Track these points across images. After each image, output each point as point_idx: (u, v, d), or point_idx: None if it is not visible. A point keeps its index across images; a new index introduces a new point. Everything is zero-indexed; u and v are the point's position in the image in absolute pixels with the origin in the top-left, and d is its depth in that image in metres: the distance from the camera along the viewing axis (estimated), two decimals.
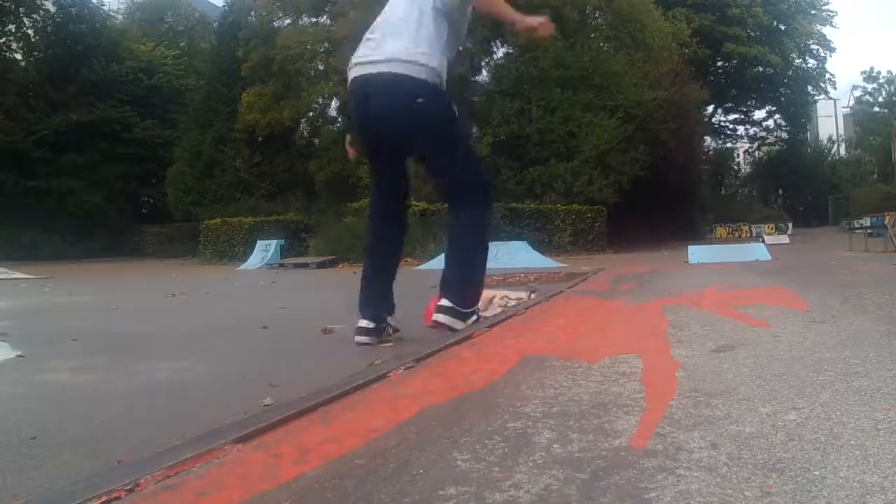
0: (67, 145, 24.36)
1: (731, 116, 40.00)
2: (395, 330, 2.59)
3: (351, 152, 2.91)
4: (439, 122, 2.60)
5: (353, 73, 2.57)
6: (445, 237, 2.79)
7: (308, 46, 18.73)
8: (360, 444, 1.12)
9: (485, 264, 2.71)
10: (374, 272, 2.65)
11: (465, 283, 2.62)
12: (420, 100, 2.50)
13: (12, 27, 25.13)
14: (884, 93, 39.56)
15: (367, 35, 2.64)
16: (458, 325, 2.52)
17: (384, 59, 2.51)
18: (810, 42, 33.93)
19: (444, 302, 2.55)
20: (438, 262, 10.50)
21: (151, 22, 33.40)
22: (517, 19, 2.61)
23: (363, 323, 2.50)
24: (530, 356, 1.85)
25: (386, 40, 2.55)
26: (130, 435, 1.37)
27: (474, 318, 2.62)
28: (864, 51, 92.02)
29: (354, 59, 2.60)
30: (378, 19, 2.67)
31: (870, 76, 40.28)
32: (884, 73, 39.53)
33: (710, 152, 37.33)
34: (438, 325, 2.56)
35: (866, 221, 16.95)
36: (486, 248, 2.73)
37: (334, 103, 21.88)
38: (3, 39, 24.92)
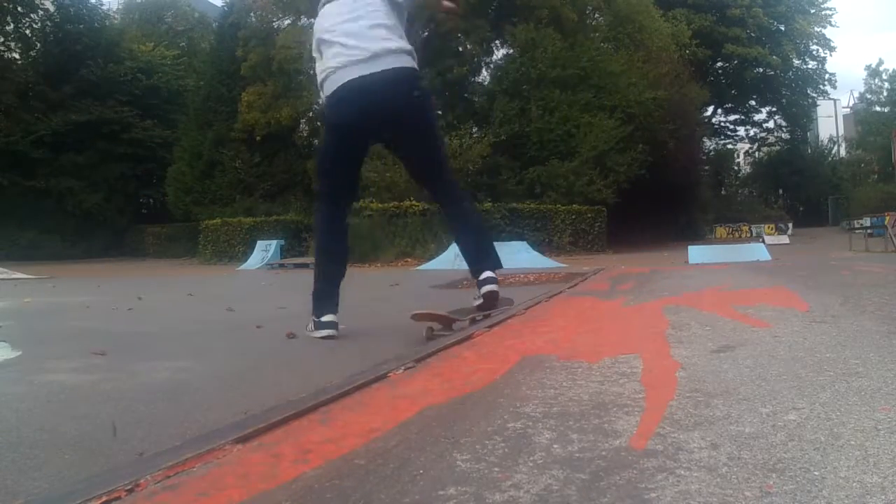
0: (66, 145, 24.34)
1: (732, 117, 40.05)
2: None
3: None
4: (430, 111, 2.81)
5: (341, 78, 2.53)
6: (454, 227, 2.88)
7: (308, 46, 18.74)
8: (360, 444, 1.12)
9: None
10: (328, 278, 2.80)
11: (491, 247, 2.82)
12: (417, 93, 2.59)
13: (11, 27, 25.08)
14: (885, 90, 39.35)
15: (326, 38, 2.63)
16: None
17: (373, 56, 2.50)
18: (810, 43, 33.98)
19: (489, 274, 2.67)
20: (438, 263, 10.53)
21: (151, 22, 33.42)
22: None
23: (331, 318, 2.65)
24: (530, 356, 1.85)
25: (360, 38, 2.53)
26: (130, 435, 1.37)
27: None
28: (874, 48, 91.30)
29: (332, 65, 2.56)
30: (325, 23, 2.66)
31: (874, 72, 39.97)
32: (888, 70, 39.20)
33: (711, 153, 37.35)
34: (498, 299, 2.70)
35: (866, 221, 16.98)
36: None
37: None
38: (2, 39, 24.88)
